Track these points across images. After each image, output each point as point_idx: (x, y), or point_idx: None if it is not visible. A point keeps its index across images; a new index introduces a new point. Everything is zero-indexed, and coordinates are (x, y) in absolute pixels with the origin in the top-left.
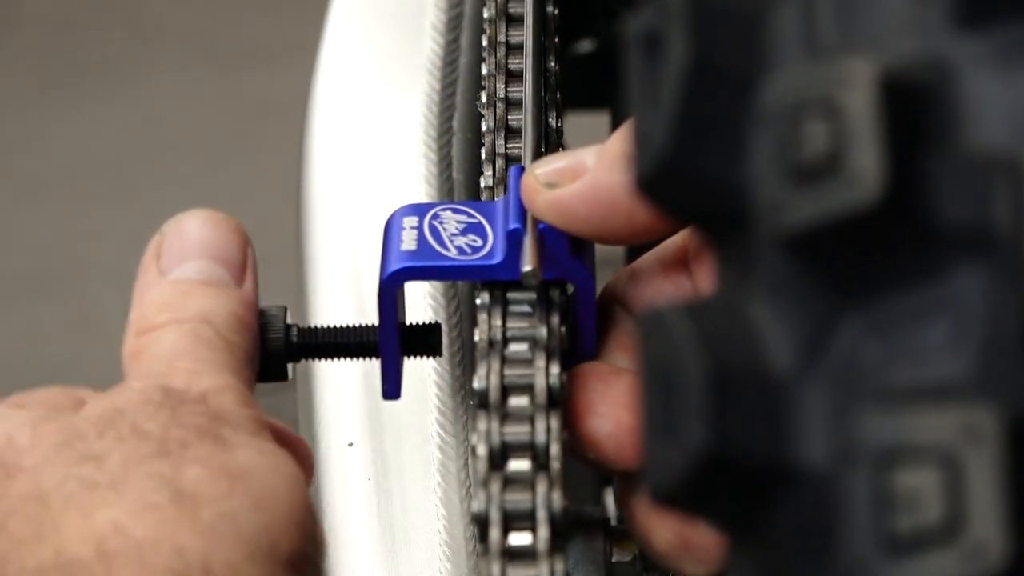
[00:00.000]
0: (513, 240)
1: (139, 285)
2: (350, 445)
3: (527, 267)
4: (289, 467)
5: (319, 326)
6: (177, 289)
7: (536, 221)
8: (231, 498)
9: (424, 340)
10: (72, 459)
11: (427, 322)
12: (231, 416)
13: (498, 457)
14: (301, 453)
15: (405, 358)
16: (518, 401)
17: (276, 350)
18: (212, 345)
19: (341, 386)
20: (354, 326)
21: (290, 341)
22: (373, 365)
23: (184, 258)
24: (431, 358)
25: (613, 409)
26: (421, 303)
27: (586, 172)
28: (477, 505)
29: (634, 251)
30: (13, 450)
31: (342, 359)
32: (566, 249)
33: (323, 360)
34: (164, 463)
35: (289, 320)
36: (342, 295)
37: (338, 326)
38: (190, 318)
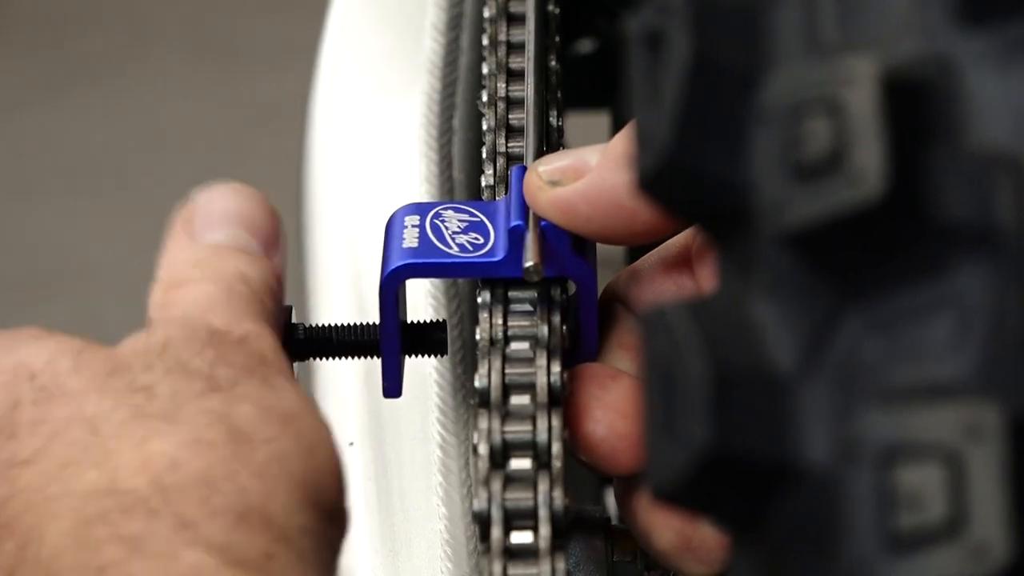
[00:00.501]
0: (515, 237)
1: (169, 249)
2: (351, 444)
3: (529, 263)
4: (324, 416)
5: (324, 324)
6: (211, 250)
7: (538, 218)
8: (282, 440)
9: (427, 338)
10: (120, 388)
11: (432, 320)
12: (271, 360)
13: (499, 456)
14: None
15: (407, 356)
16: (519, 400)
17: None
18: (248, 300)
19: (341, 385)
20: (359, 324)
21: (295, 339)
22: (374, 364)
23: (217, 225)
24: (432, 356)
25: (607, 415)
26: (422, 301)
27: (589, 171)
28: (478, 504)
29: (635, 250)
30: (54, 373)
31: (347, 358)
32: (568, 247)
33: (328, 359)
34: (215, 399)
35: (293, 319)
36: (343, 294)
37: (343, 324)
38: (226, 276)
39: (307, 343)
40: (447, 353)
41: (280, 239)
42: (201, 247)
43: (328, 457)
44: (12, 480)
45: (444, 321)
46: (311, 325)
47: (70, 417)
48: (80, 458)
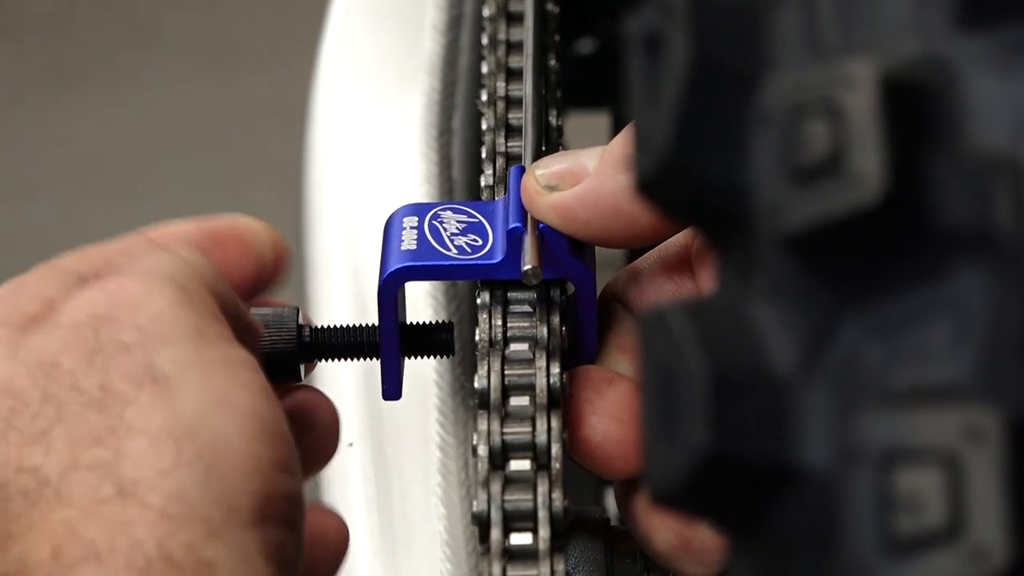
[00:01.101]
0: (513, 239)
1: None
2: (350, 445)
3: (527, 265)
4: (239, 377)
5: (331, 326)
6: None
7: (536, 220)
8: (178, 470)
9: (429, 339)
10: (22, 442)
11: (438, 321)
12: (167, 326)
13: (499, 457)
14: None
15: (412, 357)
16: (519, 401)
17: (288, 350)
18: (152, 239)
19: (341, 386)
20: (365, 325)
21: (302, 341)
22: (373, 365)
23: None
24: (438, 357)
25: (602, 420)
26: (422, 302)
27: (586, 175)
28: (478, 505)
29: (634, 252)
30: None
31: (353, 359)
32: (566, 248)
33: (334, 360)
34: (105, 443)
35: (300, 320)
36: (342, 295)
37: (350, 326)
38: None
39: (313, 345)
40: (453, 354)
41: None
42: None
43: (239, 460)
44: None
45: (451, 322)
46: (317, 327)
47: None
48: (3, 532)
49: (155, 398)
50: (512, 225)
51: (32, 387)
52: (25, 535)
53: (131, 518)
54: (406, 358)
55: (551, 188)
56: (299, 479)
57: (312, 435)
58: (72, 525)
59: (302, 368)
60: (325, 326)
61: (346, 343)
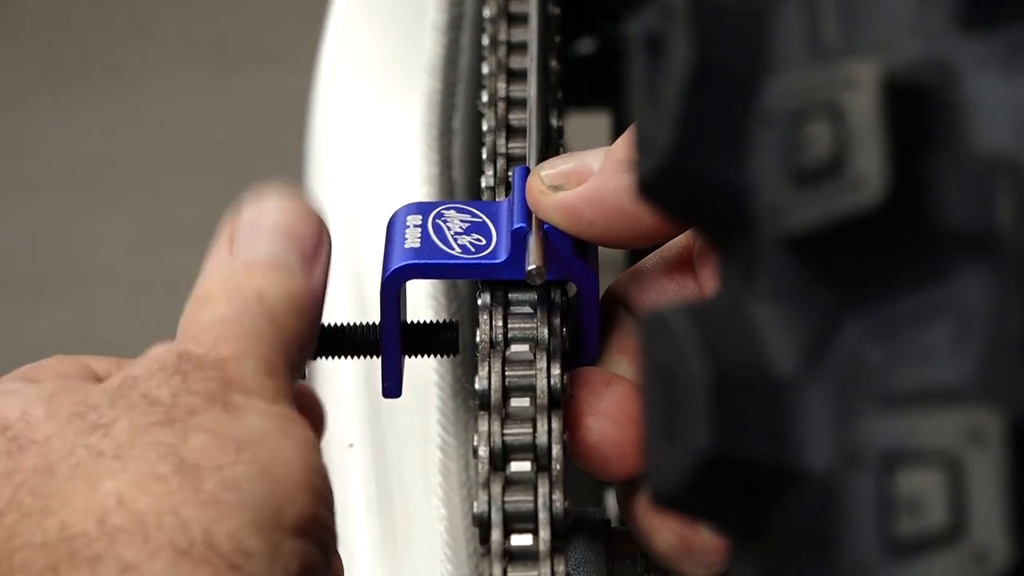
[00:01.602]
0: (517, 239)
1: (208, 263)
2: (350, 446)
3: (532, 265)
4: (301, 431)
5: (338, 323)
6: (242, 267)
7: (540, 221)
8: (236, 465)
9: (434, 338)
10: (82, 429)
11: (443, 320)
12: (247, 381)
13: (499, 458)
14: (315, 411)
15: (416, 356)
16: (519, 402)
17: None
18: (256, 318)
19: (341, 387)
20: (372, 323)
21: None
22: (374, 365)
23: (257, 241)
24: (437, 356)
25: (599, 422)
26: (422, 302)
27: (591, 175)
28: (478, 506)
29: (636, 253)
30: (27, 423)
31: (360, 357)
32: (570, 249)
33: (341, 357)
34: (170, 431)
35: None
36: (343, 294)
37: (357, 323)
38: (243, 295)
39: (322, 341)
40: (458, 353)
41: (324, 251)
42: (235, 263)
43: (295, 473)
44: None
45: (456, 321)
46: (324, 324)
47: (36, 466)
48: (42, 507)
49: (223, 413)
50: (517, 225)
51: (103, 397)
52: (66, 506)
53: (183, 498)
54: (411, 356)
55: (556, 188)
56: (334, 521)
57: None
58: (122, 496)
59: (307, 365)
60: (332, 324)
61: (353, 340)
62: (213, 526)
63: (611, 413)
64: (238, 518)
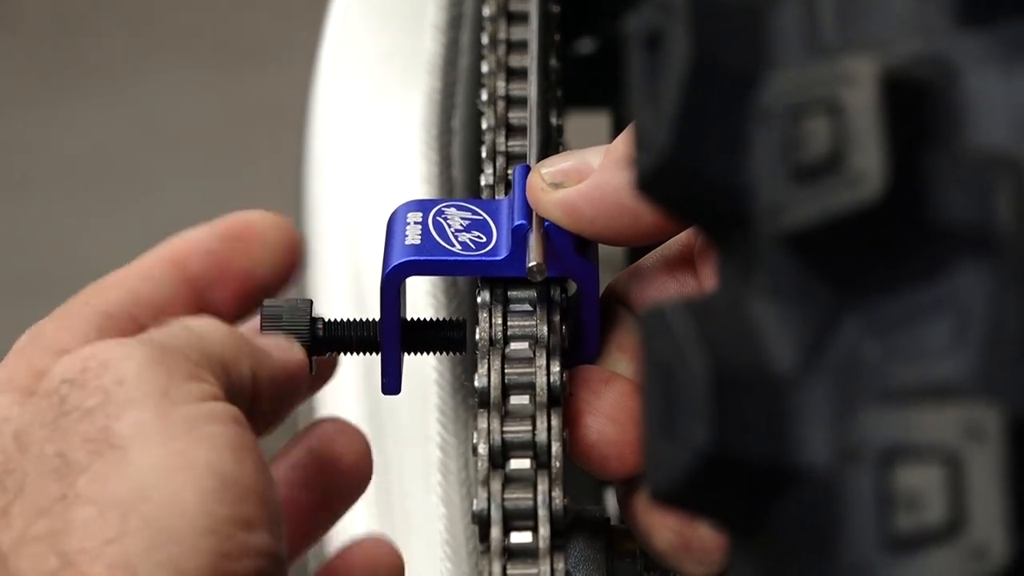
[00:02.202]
0: (518, 236)
1: None
2: None
3: (532, 262)
4: (208, 435)
5: (345, 319)
6: None
7: (541, 218)
8: (123, 539)
9: (441, 336)
10: None
11: (451, 318)
12: (132, 388)
13: (499, 456)
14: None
15: (421, 354)
16: (519, 400)
17: (302, 344)
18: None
19: (341, 386)
20: (373, 320)
21: (315, 335)
22: (373, 364)
23: None
24: (444, 354)
25: (598, 421)
26: (422, 300)
27: (591, 173)
28: (478, 504)
29: (636, 251)
30: None
31: (366, 353)
32: (570, 247)
33: (347, 354)
34: (55, 516)
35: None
36: (343, 294)
37: (364, 319)
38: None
39: (327, 339)
40: (465, 351)
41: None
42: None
43: (192, 522)
44: None
45: (463, 319)
46: (331, 320)
47: None
48: None
49: (108, 465)
50: (517, 222)
51: (2, 459)
52: None
53: None
54: (419, 354)
55: (556, 186)
56: (274, 533)
57: (339, 466)
58: None
59: (314, 362)
60: (339, 320)
61: (359, 337)
62: None
63: (610, 412)
64: None
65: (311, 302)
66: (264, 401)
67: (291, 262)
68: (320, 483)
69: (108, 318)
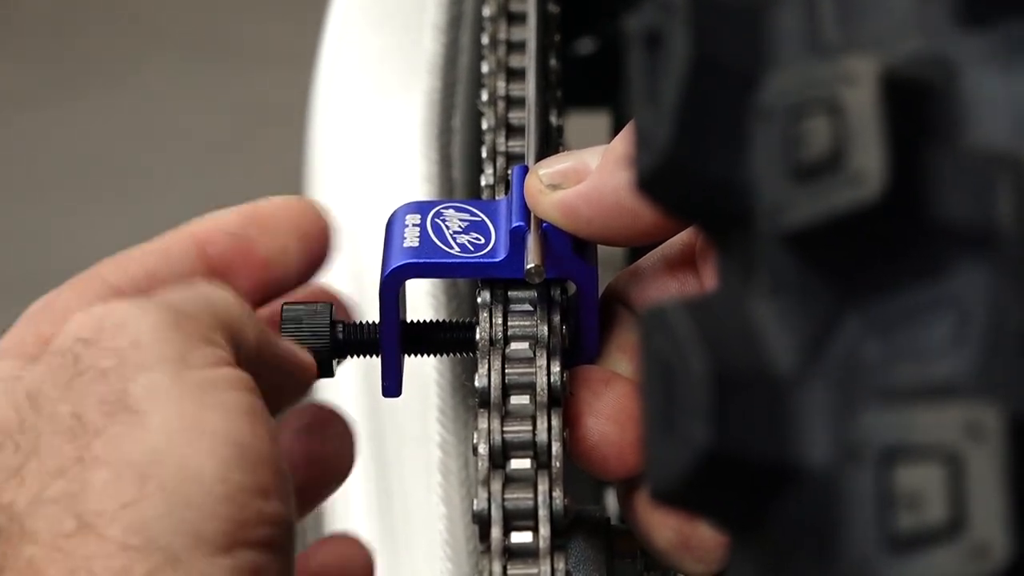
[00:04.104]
0: (516, 238)
1: None
2: None
3: (531, 264)
4: (222, 401)
5: (364, 322)
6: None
7: (539, 219)
8: (140, 502)
9: (449, 337)
10: (2, 477)
11: (461, 319)
12: (147, 350)
13: (499, 456)
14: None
15: (430, 355)
16: (519, 400)
17: (322, 347)
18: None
19: (341, 386)
20: (373, 323)
21: (336, 338)
22: (373, 365)
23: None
24: (451, 355)
25: (598, 421)
26: (422, 301)
27: (589, 173)
28: (478, 504)
29: (636, 251)
30: None
31: (360, 356)
32: (569, 248)
33: (366, 357)
34: (71, 477)
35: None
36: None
37: (358, 323)
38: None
39: (347, 342)
40: (474, 351)
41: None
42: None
43: (208, 488)
44: None
45: (472, 321)
46: (351, 323)
47: None
48: None
49: (124, 428)
50: (515, 224)
51: (15, 419)
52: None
53: (90, 552)
54: (426, 355)
55: (554, 187)
56: (286, 502)
57: (327, 449)
58: (35, 563)
59: (335, 364)
60: (359, 322)
61: (353, 340)
62: (124, 573)
63: (611, 413)
64: (150, 559)
65: (331, 305)
66: (263, 380)
67: (318, 253)
68: (304, 466)
69: (121, 293)
